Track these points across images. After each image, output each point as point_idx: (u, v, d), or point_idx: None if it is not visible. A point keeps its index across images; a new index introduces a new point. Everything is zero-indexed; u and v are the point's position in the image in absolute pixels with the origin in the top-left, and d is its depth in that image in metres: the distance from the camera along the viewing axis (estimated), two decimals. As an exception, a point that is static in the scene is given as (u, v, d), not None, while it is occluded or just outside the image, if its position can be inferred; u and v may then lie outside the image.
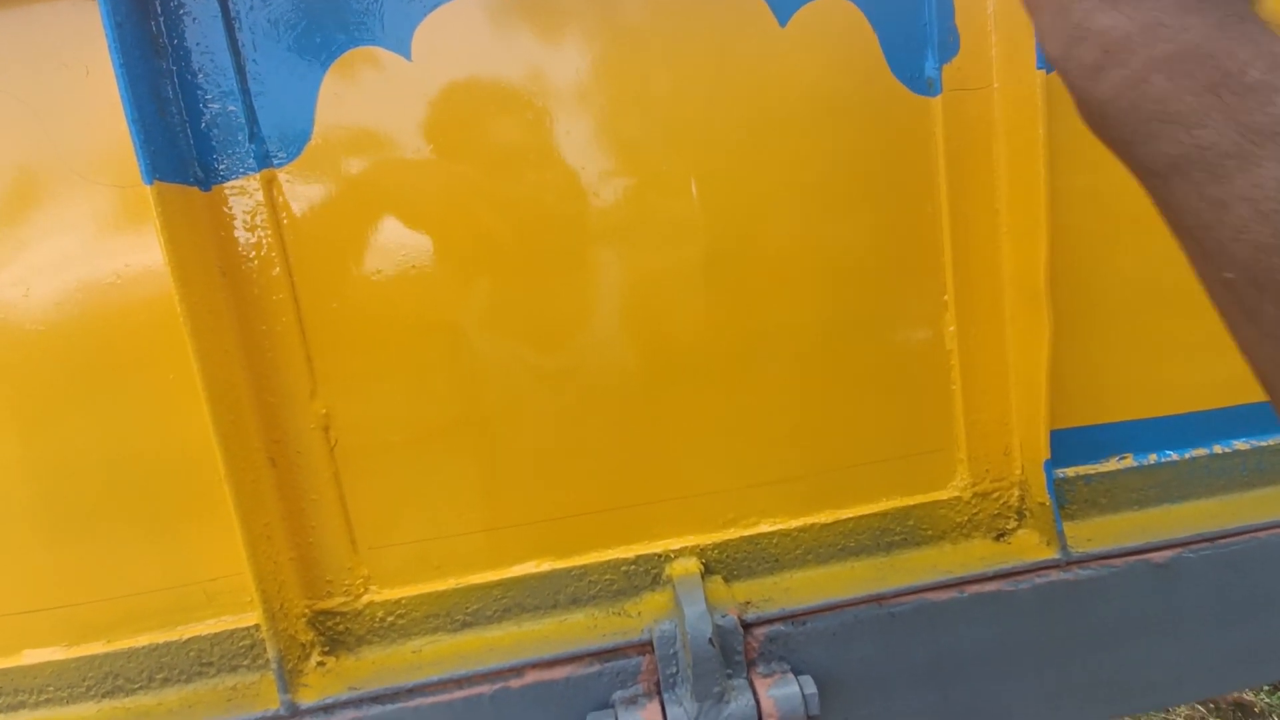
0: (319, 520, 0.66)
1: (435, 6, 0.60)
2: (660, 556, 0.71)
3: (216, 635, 0.67)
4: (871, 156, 0.67)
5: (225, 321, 0.60)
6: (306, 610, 0.66)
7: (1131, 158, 0.32)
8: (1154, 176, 0.31)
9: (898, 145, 0.67)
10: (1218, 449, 0.75)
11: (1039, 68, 0.62)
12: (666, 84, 0.64)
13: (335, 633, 0.67)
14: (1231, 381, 0.75)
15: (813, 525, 0.72)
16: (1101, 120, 0.32)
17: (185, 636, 0.67)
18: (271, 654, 0.62)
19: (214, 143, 0.59)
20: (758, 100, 0.65)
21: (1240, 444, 0.75)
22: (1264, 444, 0.75)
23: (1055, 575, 0.68)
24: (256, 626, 0.65)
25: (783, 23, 0.64)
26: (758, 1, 0.64)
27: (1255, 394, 0.75)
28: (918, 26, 0.66)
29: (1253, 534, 0.70)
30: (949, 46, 0.66)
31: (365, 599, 0.67)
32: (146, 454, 0.64)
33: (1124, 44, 0.29)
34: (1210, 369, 0.75)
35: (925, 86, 0.67)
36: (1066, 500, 0.74)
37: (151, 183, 0.53)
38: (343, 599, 0.67)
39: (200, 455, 0.62)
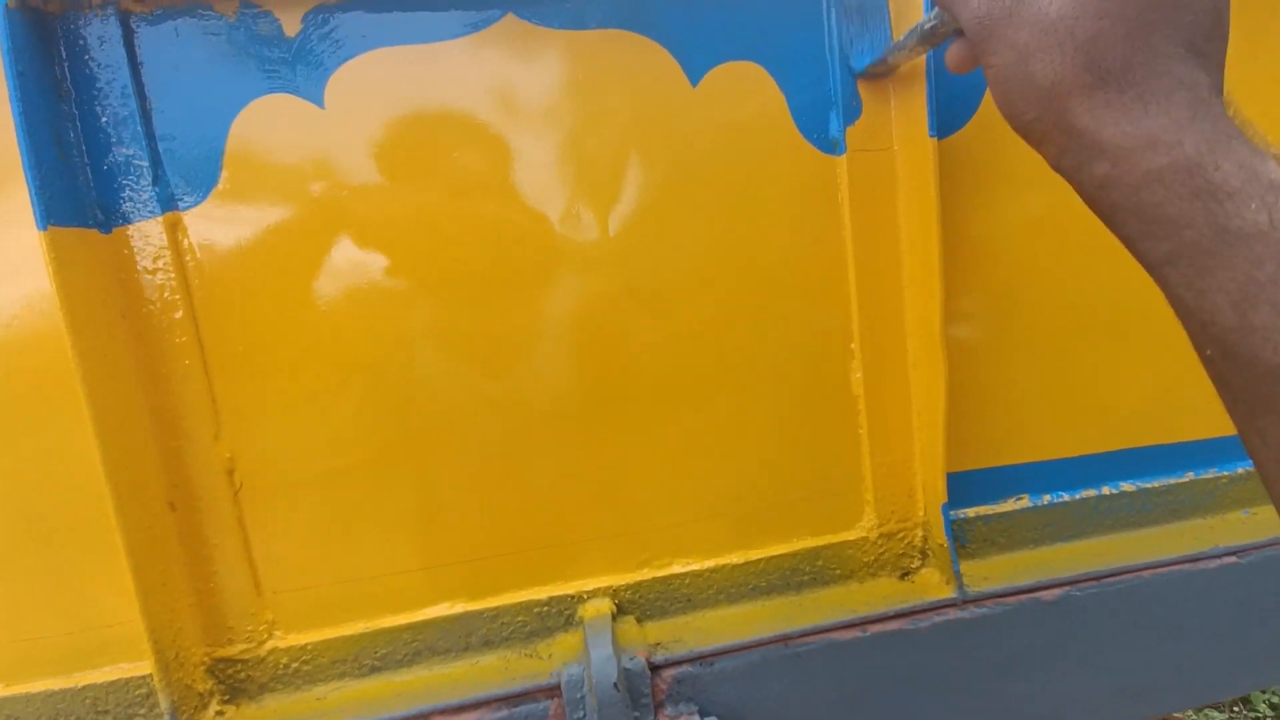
0: (221, 565, 0.64)
1: (350, 57, 0.61)
2: (574, 597, 0.71)
3: (113, 683, 0.65)
4: (782, 210, 0.70)
5: (123, 365, 0.59)
6: (205, 658, 0.65)
7: (1134, 250, 0.36)
8: (1150, 267, 0.36)
9: (806, 200, 0.70)
10: (1106, 490, 0.80)
11: (931, 135, 0.66)
12: (584, 135, 0.66)
13: (236, 681, 0.66)
14: (1120, 427, 0.80)
15: (725, 565, 0.74)
16: (1109, 220, 0.37)
17: (80, 684, 0.65)
18: (164, 705, 0.60)
19: (117, 186, 0.58)
20: (672, 154, 0.67)
21: (1127, 485, 0.80)
22: (1148, 486, 0.80)
23: (953, 614, 0.71)
24: (152, 675, 0.63)
25: (694, 82, 0.67)
26: (671, 62, 0.66)
27: (1141, 439, 0.80)
28: (823, 91, 0.69)
29: (1136, 573, 0.74)
30: (853, 110, 0.69)
31: (269, 645, 0.66)
32: (44, 496, 0.62)
33: (1128, 158, 0.34)
34: (1101, 415, 0.79)
35: (831, 146, 0.70)
36: (967, 539, 0.78)
37: (45, 228, 0.53)
38: (245, 645, 0.66)
39: (95, 498, 0.61)
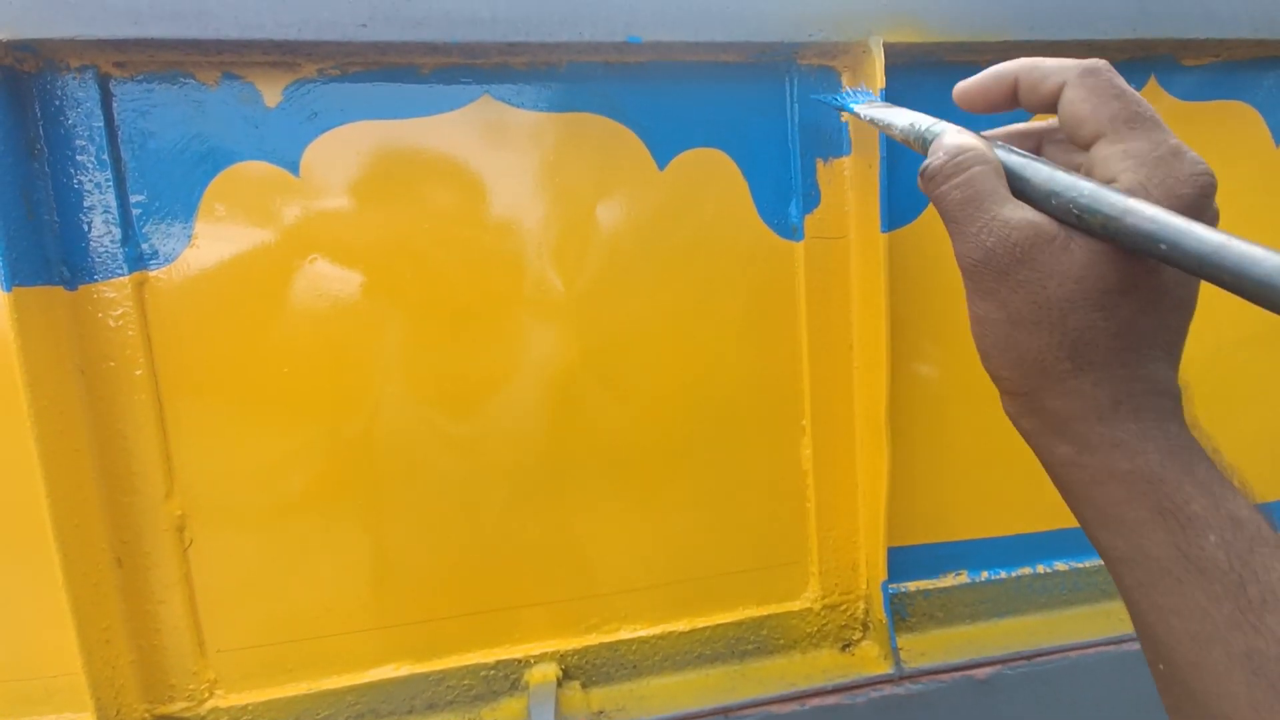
0: (166, 622, 0.64)
1: (328, 128, 0.63)
2: (520, 662, 0.72)
3: (49, 735, 0.64)
4: (741, 289, 0.73)
5: (77, 420, 0.59)
6: (146, 715, 0.64)
7: (1090, 536, 0.36)
8: (1106, 561, 0.35)
9: (764, 282, 0.73)
10: (1040, 568, 0.83)
11: (883, 231, 0.69)
12: (553, 212, 0.68)
13: (173, 739, 0.65)
14: (1056, 507, 0.83)
15: (672, 632, 0.75)
16: (1066, 497, 0.37)
17: (18, 734, 0.64)
18: (98, 766, 0.60)
19: (86, 244, 0.59)
20: (637, 232, 0.70)
21: (1060, 564, 0.83)
22: (1081, 565, 0.84)
23: (889, 689, 0.73)
24: (88, 731, 0.63)
25: (661, 166, 0.70)
26: (639, 146, 0.69)
27: (1074, 520, 0.84)
28: (784, 179, 0.72)
29: (1064, 653, 0.77)
30: (811, 199, 0.73)
31: (209, 704, 0.66)
32: (-13, 542, 0.62)
33: (1092, 452, 0.33)
34: (1038, 494, 0.82)
35: (790, 232, 0.73)
36: (908, 613, 0.80)
37: (10, 289, 0.53)
38: (185, 704, 0.65)
39: (46, 544, 0.60)
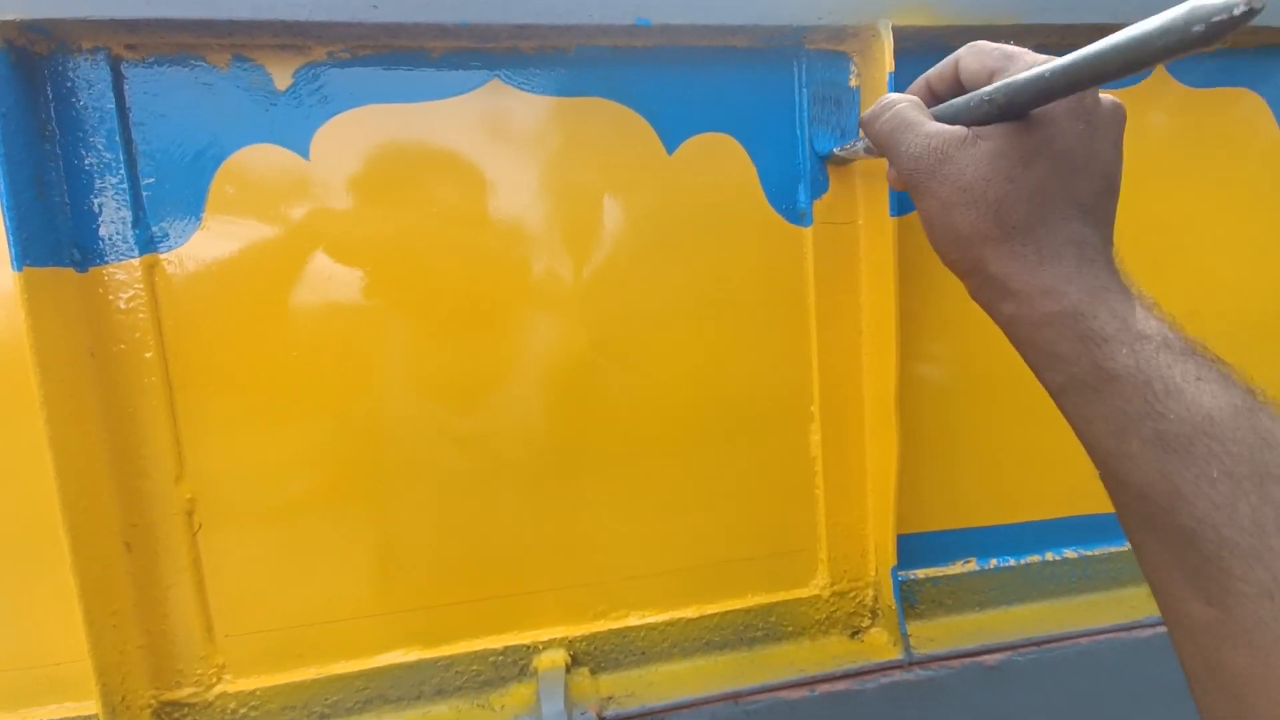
0: (174, 607, 0.64)
1: (338, 112, 0.63)
2: (529, 648, 0.72)
3: (56, 723, 0.64)
4: (749, 275, 0.73)
5: (88, 402, 0.59)
6: (152, 700, 0.64)
7: (1039, 377, 0.42)
8: (1051, 394, 0.42)
9: (773, 267, 0.73)
10: (1050, 556, 0.83)
11: (891, 214, 0.69)
12: (562, 196, 0.68)
13: (181, 725, 0.65)
14: (1064, 494, 0.83)
15: (680, 619, 0.75)
16: (1018, 349, 0.43)
17: (22, 722, 0.64)
18: (107, 750, 0.59)
19: (96, 226, 0.59)
20: (645, 217, 0.70)
21: (1069, 552, 0.83)
22: (1090, 553, 0.83)
23: (899, 675, 0.73)
24: (98, 716, 0.62)
25: (670, 151, 0.70)
26: (648, 130, 0.69)
27: (1084, 507, 0.84)
28: (792, 165, 0.72)
29: (1074, 640, 0.76)
30: (820, 184, 0.73)
31: (218, 689, 0.65)
32: (-5, 527, 0.61)
33: (1028, 303, 0.40)
34: (1046, 482, 0.82)
35: (798, 217, 0.73)
36: (916, 600, 0.80)
37: (20, 269, 0.53)
38: (193, 689, 0.65)
39: (50, 532, 0.60)
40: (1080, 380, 0.38)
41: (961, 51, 0.47)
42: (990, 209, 0.41)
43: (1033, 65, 0.40)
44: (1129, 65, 0.33)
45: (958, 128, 0.43)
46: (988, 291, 0.43)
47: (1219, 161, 0.81)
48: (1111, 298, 0.39)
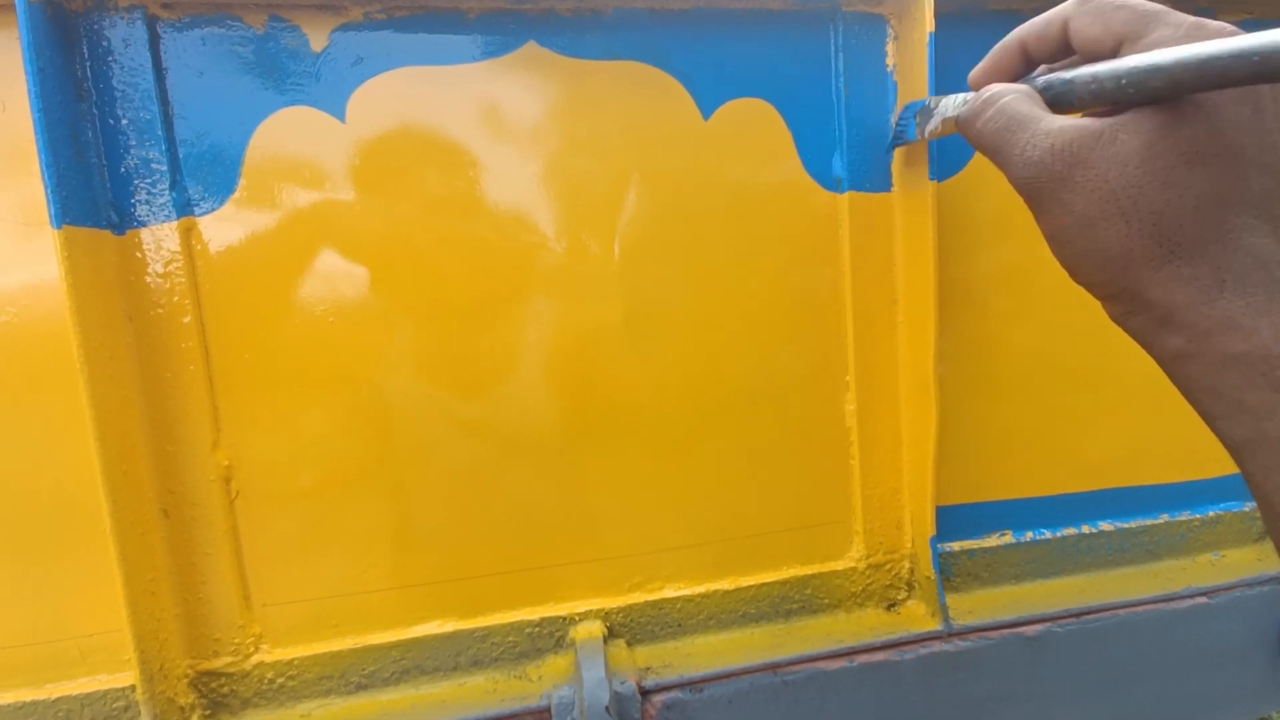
0: (211, 575, 0.63)
1: (374, 74, 0.62)
2: (565, 619, 0.71)
3: (89, 695, 0.63)
4: (784, 242, 0.72)
5: (126, 367, 0.58)
6: (189, 670, 0.64)
7: (1210, 426, 0.35)
8: (1228, 447, 0.34)
9: (808, 235, 0.73)
10: (1086, 529, 0.82)
11: (930, 178, 0.68)
12: (598, 162, 0.67)
13: (219, 695, 0.64)
14: (1100, 467, 0.83)
15: (716, 591, 0.74)
16: (1184, 391, 0.35)
17: (54, 696, 0.63)
18: (146, 718, 0.59)
19: (133, 188, 0.58)
20: (681, 184, 0.69)
21: (1106, 525, 0.82)
22: (1126, 526, 0.83)
23: (938, 646, 0.72)
24: (132, 687, 0.62)
25: (706, 116, 0.69)
26: (684, 95, 0.68)
27: (1119, 480, 0.83)
28: (829, 130, 0.71)
29: (1113, 611, 0.76)
30: (856, 150, 0.72)
31: (255, 659, 0.65)
32: (22, 497, 0.61)
33: (1205, 339, 0.32)
34: (1082, 455, 0.82)
35: (834, 184, 0.72)
36: (952, 573, 0.79)
37: (60, 227, 0.53)
38: (230, 659, 0.64)
39: (83, 502, 0.60)
40: (1273, 438, 0.31)
41: (1070, 8, 0.36)
42: (1147, 223, 0.32)
43: (1182, 28, 0.32)
44: None
45: (1088, 122, 0.34)
46: (1144, 320, 0.35)
47: None
48: None
